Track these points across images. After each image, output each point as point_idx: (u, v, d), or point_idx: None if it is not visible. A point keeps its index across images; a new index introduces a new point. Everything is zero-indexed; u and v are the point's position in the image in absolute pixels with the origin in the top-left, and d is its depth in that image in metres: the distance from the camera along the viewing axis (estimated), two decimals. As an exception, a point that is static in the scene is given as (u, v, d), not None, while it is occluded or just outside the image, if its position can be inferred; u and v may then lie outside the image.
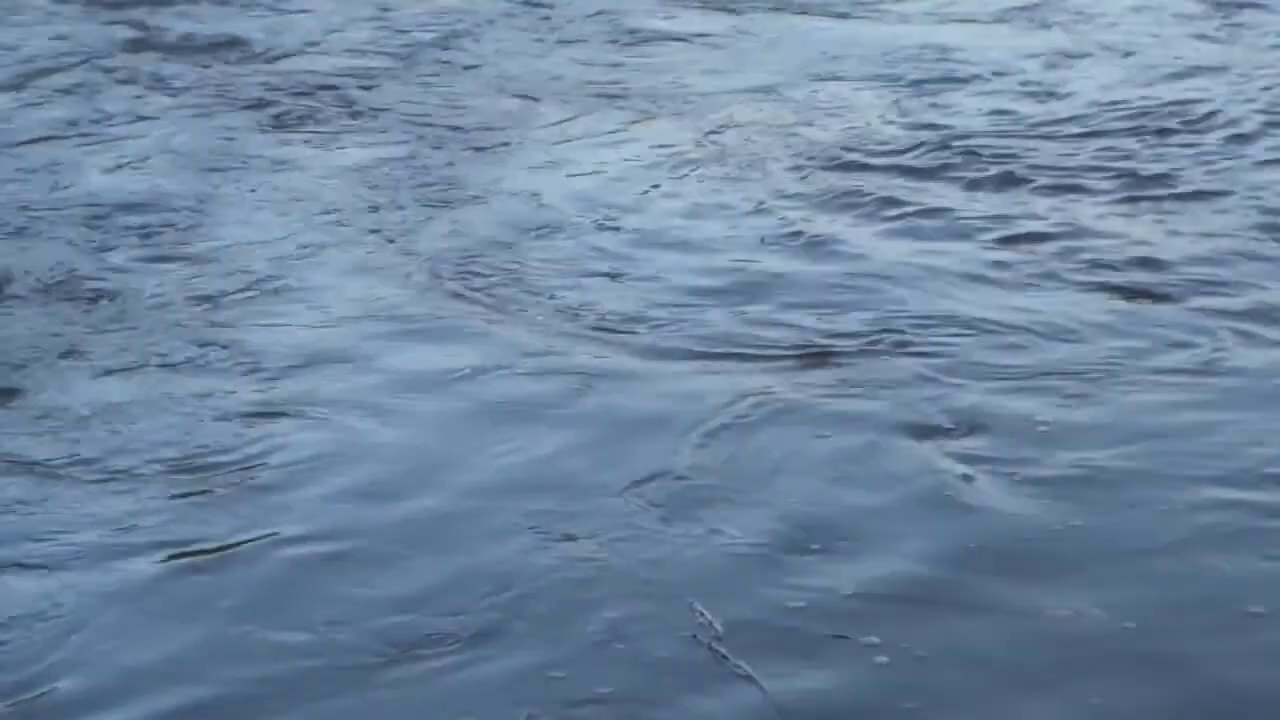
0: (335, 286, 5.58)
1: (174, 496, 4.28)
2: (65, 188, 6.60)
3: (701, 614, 3.70)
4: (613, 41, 8.52)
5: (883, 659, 3.53)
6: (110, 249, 5.97)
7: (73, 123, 7.44)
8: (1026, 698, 3.44)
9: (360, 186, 6.54)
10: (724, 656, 3.55)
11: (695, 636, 3.63)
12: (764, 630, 3.64)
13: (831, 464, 4.32)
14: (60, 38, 8.67)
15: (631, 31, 8.68)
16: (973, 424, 4.48)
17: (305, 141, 7.13)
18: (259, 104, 7.63)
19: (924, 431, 4.45)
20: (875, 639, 3.58)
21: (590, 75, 7.96)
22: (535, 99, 7.62)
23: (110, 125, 7.40)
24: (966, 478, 4.21)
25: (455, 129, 7.23)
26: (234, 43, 8.66)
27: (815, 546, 3.95)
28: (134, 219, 6.24)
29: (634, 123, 7.23)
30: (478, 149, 6.95)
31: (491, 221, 6.11)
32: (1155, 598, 3.72)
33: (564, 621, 3.70)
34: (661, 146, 6.88)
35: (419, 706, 3.47)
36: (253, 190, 6.54)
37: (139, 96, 7.82)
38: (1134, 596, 3.72)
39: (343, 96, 7.73)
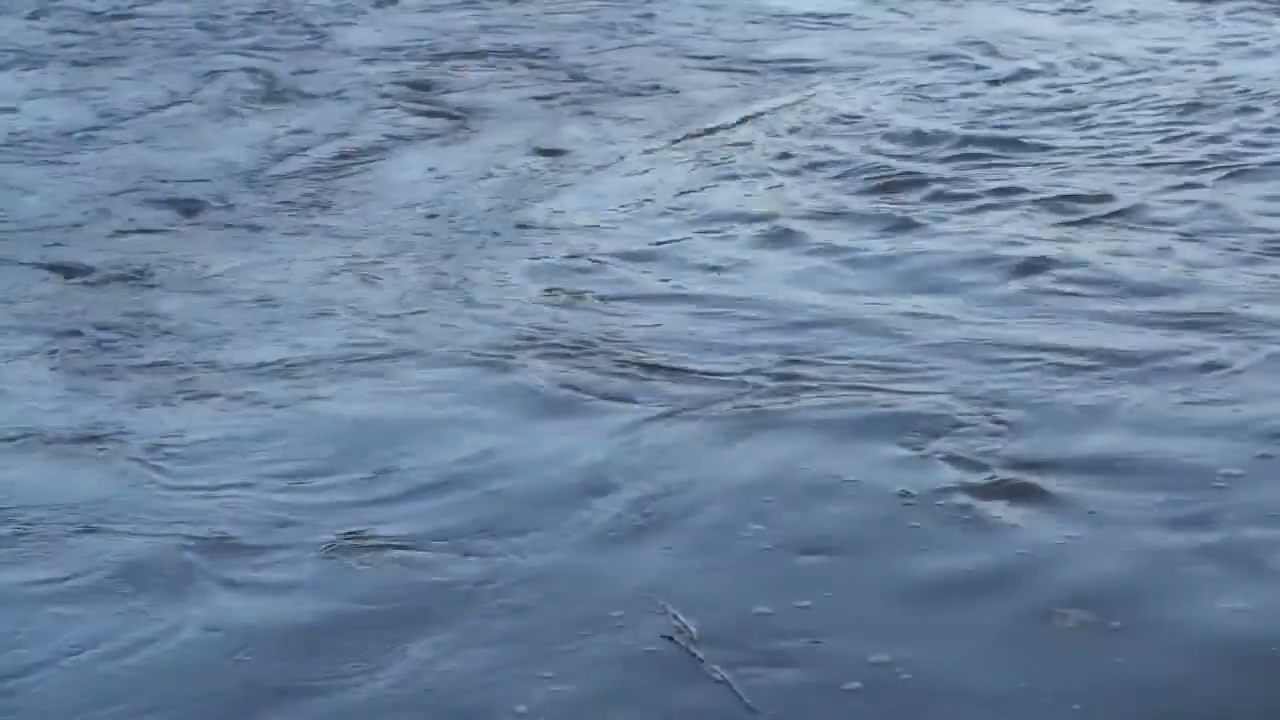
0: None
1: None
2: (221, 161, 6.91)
3: (676, 617, 3.75)
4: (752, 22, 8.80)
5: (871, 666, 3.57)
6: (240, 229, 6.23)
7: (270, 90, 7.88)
8: (1007, 704, 3.46)
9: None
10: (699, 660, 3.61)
11: (672, 639, 3.68)
12: (742, 634, 3.68)
13: (821, 475, 4.34)
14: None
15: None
16: (968, 433, 4.49)
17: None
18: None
19: (919, 441, 4.46)
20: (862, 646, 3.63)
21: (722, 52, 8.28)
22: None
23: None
24: (957, 488, 4.23)
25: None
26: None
27: (803, 552, 3.99)
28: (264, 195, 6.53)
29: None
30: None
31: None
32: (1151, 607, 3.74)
33: (549, 623, 3.77)
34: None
35: (403, 704, 3.52)
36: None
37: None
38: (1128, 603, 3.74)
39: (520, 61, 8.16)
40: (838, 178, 6.51)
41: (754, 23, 8.82)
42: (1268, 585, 3.79)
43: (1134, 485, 4.23)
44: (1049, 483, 4.25)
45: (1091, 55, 8.00)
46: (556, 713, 3.47)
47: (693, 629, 3.70)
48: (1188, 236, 5.78)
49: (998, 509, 4.15)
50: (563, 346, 5.14)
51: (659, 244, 5.93)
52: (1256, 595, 3.76)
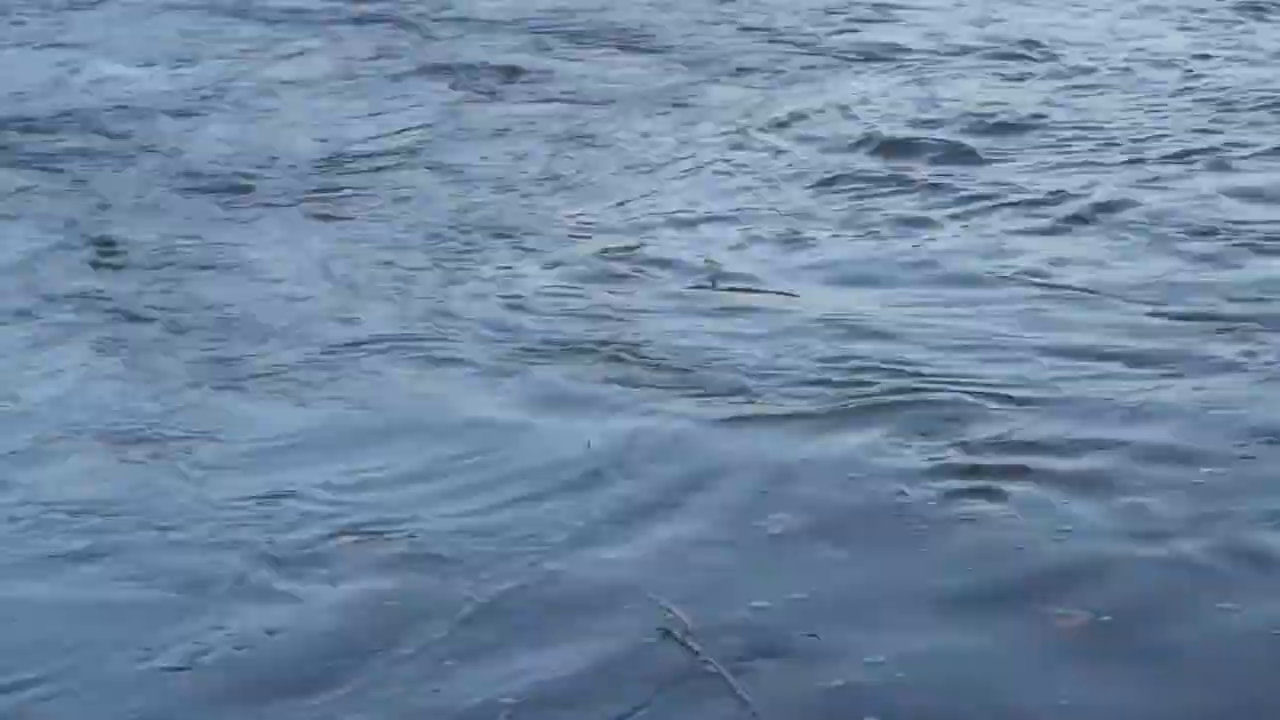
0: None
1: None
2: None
3: (670, 612, 3.78)
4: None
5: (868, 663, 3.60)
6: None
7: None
8: (1006, 701, 3.48)
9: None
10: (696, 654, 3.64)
11: (669, 634, 3.71)
12: (738, 629, 3.71)
13: (823, 471, 4.37)
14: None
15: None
16: (971, 431, 4.50)
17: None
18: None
19: (922, 437, 4.49)
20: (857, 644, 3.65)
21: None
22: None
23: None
24: (958, 484, 4.25)
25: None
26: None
27: (803, 546, 4.03)
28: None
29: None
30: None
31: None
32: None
33: (543, 622, 3.81)
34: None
35: (398, 706, 3.54)
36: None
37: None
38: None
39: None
40: (878, 177, 6.59)
41: (826, 11, 8.88)
42: (1267, 583, 3.82)
43: (1140, 482, 4.25)
44: (1054, 480, 4.27)
45: (1136, 53, 8.01)
46: (551, 708, 3.52)
47: (688, 622, 3.74)
48: (1200, 236, 5.79)
49: (1001, 505, 4.17)
50: (595, 343, 5.20)
51: (707, 238, 6.02)
52: (1256, 594, 3.78)
